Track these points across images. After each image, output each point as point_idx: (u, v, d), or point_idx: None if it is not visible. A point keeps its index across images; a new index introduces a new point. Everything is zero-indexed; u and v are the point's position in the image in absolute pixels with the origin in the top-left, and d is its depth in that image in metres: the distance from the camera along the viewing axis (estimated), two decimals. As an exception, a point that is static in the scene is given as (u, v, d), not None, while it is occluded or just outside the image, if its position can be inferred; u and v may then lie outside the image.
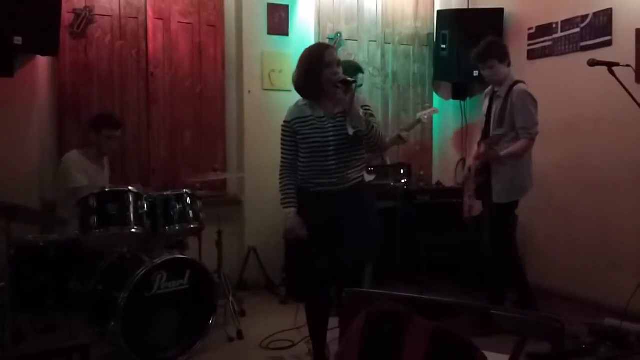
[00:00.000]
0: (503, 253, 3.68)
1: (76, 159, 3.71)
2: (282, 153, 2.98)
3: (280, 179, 2.97)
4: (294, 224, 2.89)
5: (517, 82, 3.66)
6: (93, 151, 3.81)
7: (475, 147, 3.88)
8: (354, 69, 3.90)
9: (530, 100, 3.58)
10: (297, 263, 4.11)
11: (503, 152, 3.54)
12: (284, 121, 2.96)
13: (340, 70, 2.82)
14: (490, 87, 3.86)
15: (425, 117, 4.29)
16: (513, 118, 3.56)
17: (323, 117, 2.86)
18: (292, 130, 2.90)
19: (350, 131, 2.80)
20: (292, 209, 2.91)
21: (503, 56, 3.67)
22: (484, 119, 3.81)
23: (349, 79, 2.73)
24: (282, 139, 2.98)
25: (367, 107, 2.90)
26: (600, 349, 2.97)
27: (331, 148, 2.83)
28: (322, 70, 2.78)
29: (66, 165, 3.70)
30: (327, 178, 2.85)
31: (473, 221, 3.93)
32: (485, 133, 3.77)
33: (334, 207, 2.86)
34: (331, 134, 2.83)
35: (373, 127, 2.79)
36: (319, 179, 2.86)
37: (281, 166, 2.98)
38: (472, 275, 4.39)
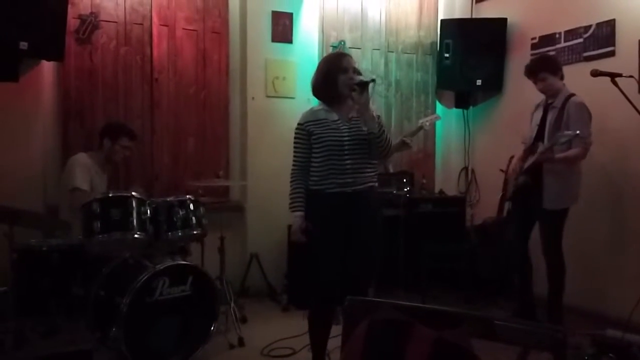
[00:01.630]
0: (553, 260, 3.76)
1: (84, 161, 3.72)
2: (294, 155, 2.99)
3: (292, 181, 2.99)
4: (297, 228, 2.93)
5: (572, 94, 3.74)
6: (99, 157, 3.82)
7: (521, 152, 3.93)
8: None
9: (587, 111, 3.67)
10: (304, 270, 4.12)
11: (559, 155, 3.60)
12: (298, 124, 2.98)
13: (356, 76, 2.88)
14: (543, 99, 3.93)
15: (427, 123, 4.28)
16: (568, 128, 3.60)
17: (338, 120, 2.91)
18: (306, 132, 2.93)
19: (364, 129, 2.87)
20: (299, 213, 2.93)
21: (554, 69, 3.77)
22: (536, 128, 3.87)
23: (365, 79, 2.79)
24: (295, 142, 2.99)
25: (378, 117, 2.94)
26: (602, 360, 2.96)
27: (346, 148, 2.87)
28: (338, 74, 2.86)
29: (72, 165, 3.70)
30: (342, 177, 2.87)
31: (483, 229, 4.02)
32: (536, 142, 3.82)
33: (347, 209, 2.88)
34: (346, 134, 2.89)
35: (384, 131, 2.88)
36: (335, 178, 2.87)
37: (293, 168, 2.99)
38: (474, 284, 4.39)
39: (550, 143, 3.61)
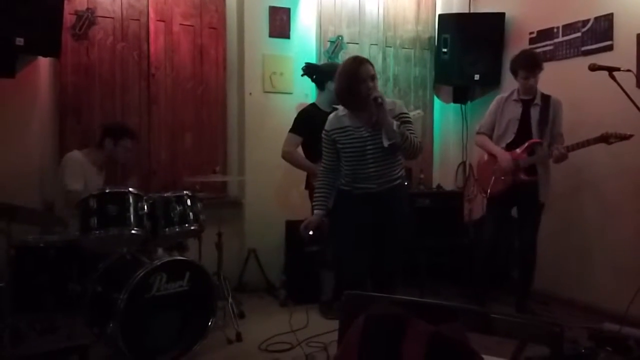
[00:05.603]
0: (534, 252, 3.99)
1: (77, 159, 3.71)
2: (323, 157, 3.16)
3: (318, 180, 3.17)
4: (307, 223, 3.02)
5: (547, 94, 3.93)
6: (97, 155, 3.81)
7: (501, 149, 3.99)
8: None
9: None
10: (300, 266, 4.30)
11: (563, 152, 3.72)
12: (324, 130, 3.10)
13: (373, 84, 2.92)
14: (509, 94, 4.03)
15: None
16: (554, 125, 3.86)
17: (361, 127, 2.98)
18: (331, 139, 3.06)
19: (386, 143, 2.90)
20: (318, 211, 3.06)
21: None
22: (516, 123, 3.93)
23: (378, 99, 2.80)
24: (322, 146, 3.14)
25: (404, 115, 3.00)
26: (599, 353, 2.97)
27: (369, 156, 2.97)
28: (359, 85, 2.89)
29: (65, 166, 3.69)
30: (368, 183, 3.02)
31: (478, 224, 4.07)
32: (520, 138, 3.90)
33: (373, 207, 3.01)
34: (369, 142, 2.96)
35: (407, 137, 2.90)
36: (361, 183, 3.03)
37: (320, 169, 3.19)
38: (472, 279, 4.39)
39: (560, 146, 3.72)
